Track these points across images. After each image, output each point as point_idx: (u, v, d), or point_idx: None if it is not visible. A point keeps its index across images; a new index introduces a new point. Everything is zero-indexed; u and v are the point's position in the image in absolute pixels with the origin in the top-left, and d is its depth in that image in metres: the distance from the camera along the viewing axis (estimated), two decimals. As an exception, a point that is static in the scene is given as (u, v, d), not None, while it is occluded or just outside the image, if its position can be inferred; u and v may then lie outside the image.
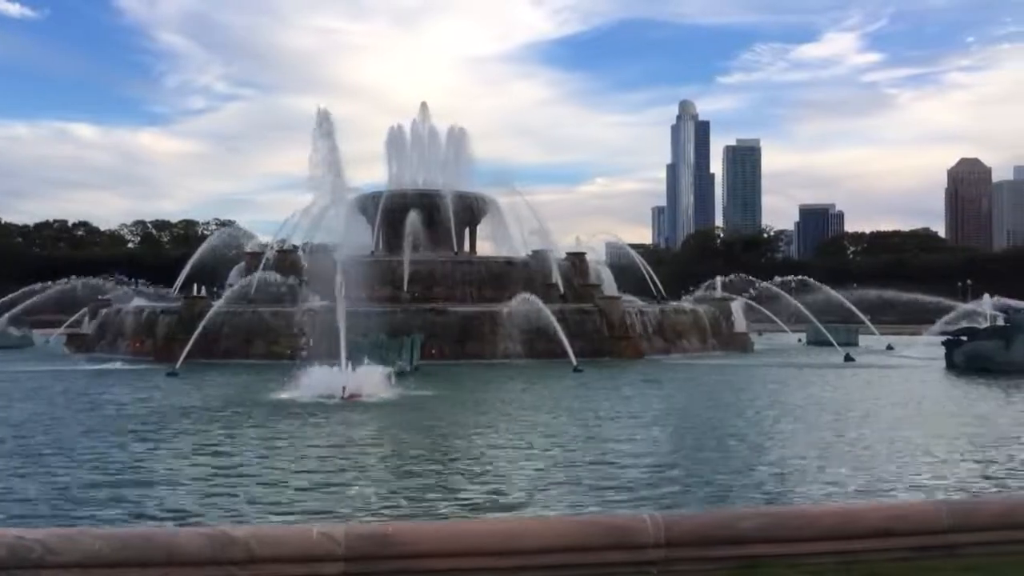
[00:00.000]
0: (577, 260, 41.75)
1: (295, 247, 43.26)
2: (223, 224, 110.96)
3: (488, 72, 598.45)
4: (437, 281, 38.60)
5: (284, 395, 19.24)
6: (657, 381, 24.95)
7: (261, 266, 38.68)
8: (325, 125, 44.38)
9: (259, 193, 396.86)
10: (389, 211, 43.44)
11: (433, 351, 31.37)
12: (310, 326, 28.35)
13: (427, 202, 43.28)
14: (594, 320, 35.85)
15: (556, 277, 39.38)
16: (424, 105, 49.58)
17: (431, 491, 9.82)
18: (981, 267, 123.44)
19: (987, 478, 10.36)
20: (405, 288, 37.08)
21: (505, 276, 39.30)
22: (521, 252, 43.11)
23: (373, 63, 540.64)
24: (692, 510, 7.82)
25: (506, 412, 17.48)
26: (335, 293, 22.80)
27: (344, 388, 19.06)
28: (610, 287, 41.69)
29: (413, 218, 41.30)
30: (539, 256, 41.10)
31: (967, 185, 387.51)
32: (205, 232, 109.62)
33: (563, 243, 44.85)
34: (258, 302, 35.74)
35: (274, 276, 37.36)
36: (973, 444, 13.26)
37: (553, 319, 32.69)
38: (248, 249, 44.05)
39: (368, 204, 44.76)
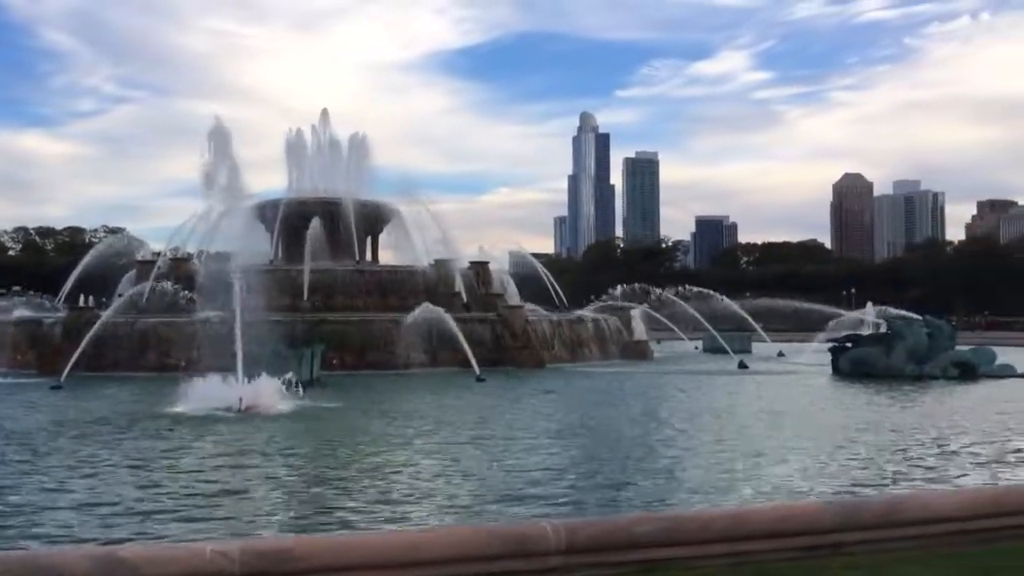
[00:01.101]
0: (480, 269, 41.83)
1: (189, 255, 41.91)
2: (112, 231, 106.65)
3: (390, 80, 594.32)
4: (338, 290, 38.02)
5: (177, 408, 18.58)
6: (558, 390, 25.22)
7: (153, 275, 37.30)
8: (221, 129, 43.48)
9: (151, 199, 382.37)
10: (289, 219, 42.55)
11: (334, 361, 30.85)
12: (205, 337, 27.46)
13: (328, 210, 42.58)
14: (497, 329, 35.99)
15: (459, 286, 39.35)
16: (325, 111, 48.87)
17: (328, 504, 9.64)
18: (864, 277, 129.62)
19: (870, 475, 10.88)
20: (305, 297, 36.39)
21: (408, 285, 39.03)
22: (424, 261, 42.88)
23: (272, 67, 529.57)
24: (591, 516, 7.91)
25: (407, 422, 17.35)
26: (232, 303, 22.17)
27: (240, 400, 18.54)
28: (513, 296, 41.91)
29: (314, 226, 40.57)
30: (442, 265, 41.00)
31: (851, 199, 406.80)
32: (93, 239, 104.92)
33: (466, 252, 44.89)
34: (150, 312, 34.43)
35: (167, 285, 36.06)
36: (855, 444, 13.87)
37: (456, 328, 32.65)
38: (139, 257, 42.43)
39: (267, 211, 43.75)
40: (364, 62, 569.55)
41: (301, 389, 20.53)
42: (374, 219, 44.97)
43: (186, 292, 35.25)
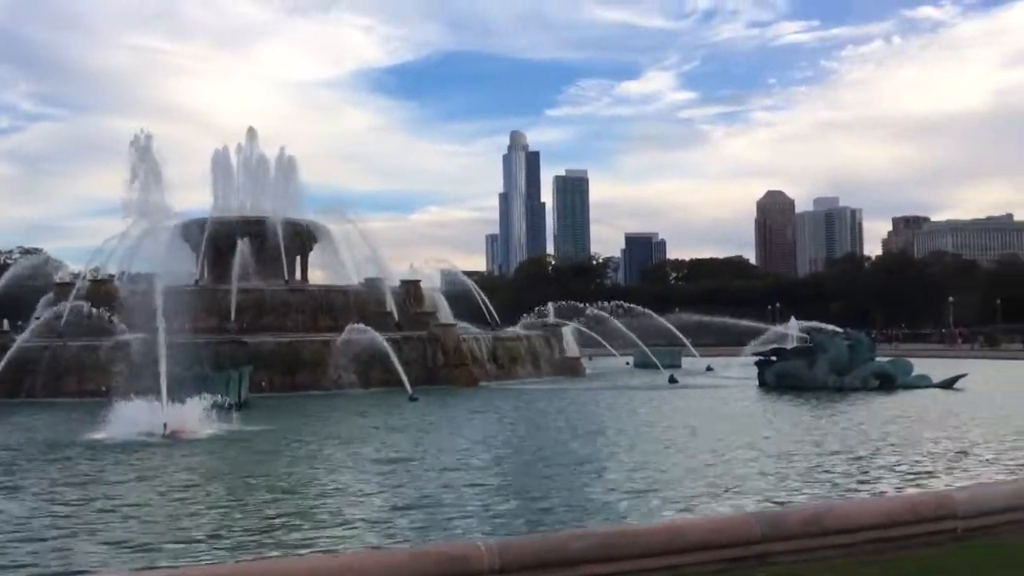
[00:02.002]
0: (412, 288, 41.63)
1: (111, 276, 40.69)
2: (28, 252, 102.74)
3: (318, 98, 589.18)
4: (267, 311, 37.37)
5: (98, 435, 17.97)
6: (492, 408, 25.22)
7: (72, 296, 36.07)
8: (144, 147, 42.45)
9: (70, 219, 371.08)
10: (215, 238, 41.70)
11: (263, 383, 30.29)
12: (127, 360, 26.66)
13: (255, 229, 41.88)
14: (429, 348, 35.83)
15: (390, 305, 39.08)
16: (251, 129, 48.12)
17: (254, 530, 9.45)
18: (788, 291, 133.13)
19: (794, 484, 11.17)
20: (232, 318, 35.65)
21: (338, 305, 38.59)
22: (355, 280, 42.49)
23: (196, 85, 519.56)
24: (525, 534, 7.93)
25: (337, 444, 17.12)
26: (155, 324, 21.61)
27: (165, 425, 18.04)
28: (445, 315, 41.79)
29: (241, 246, 39.84)
30: (373, 284, 40.67)
31: (774, 215, 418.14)
32: (8, 261, 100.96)
33: (397, 271, 44.56)
34: (69, 335, 33.27)
35: (87, 307, 34.91)
36: (780, 454, 14.21)
37: (388, 347, 32.41)
38: (57, 279, 40.98)
39: (192, 231, 42.83)
40: (291, 80, 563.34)
41: (232, 411, 20.09)
42: (303, 238, 44.41)
43: (107, 314, 34.20)
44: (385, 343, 32.69)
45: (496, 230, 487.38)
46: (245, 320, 35.92)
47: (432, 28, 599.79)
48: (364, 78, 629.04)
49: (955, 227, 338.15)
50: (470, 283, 51.43)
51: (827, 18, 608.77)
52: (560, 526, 8.97)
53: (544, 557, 6.26)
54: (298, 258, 45.32)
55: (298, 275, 45.05)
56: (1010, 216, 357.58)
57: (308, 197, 47.83)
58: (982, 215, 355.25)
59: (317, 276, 46.30)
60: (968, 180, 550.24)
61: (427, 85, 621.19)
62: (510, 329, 45.51)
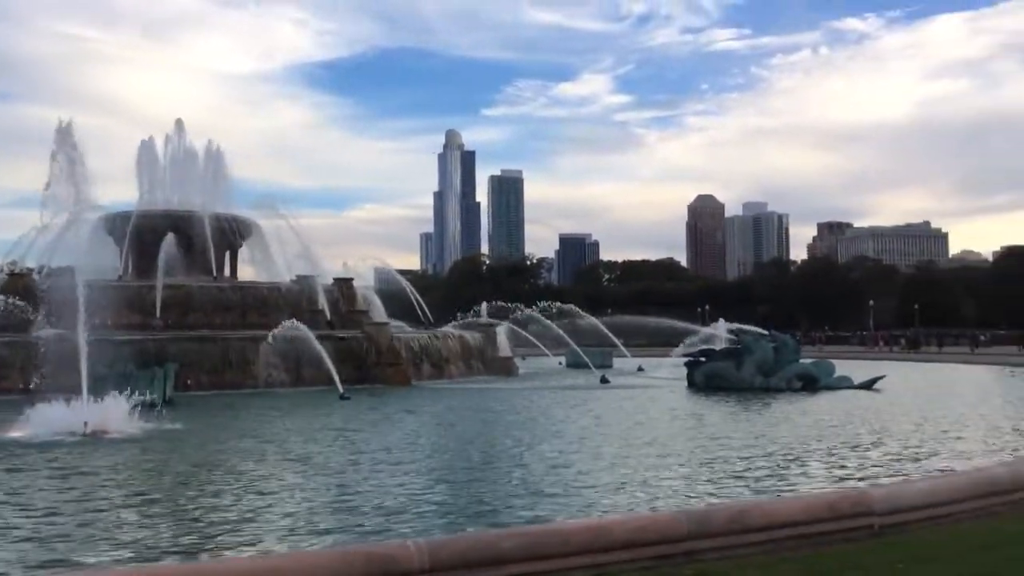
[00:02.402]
0: (344, 286, 41.18)
1: (29, 270, 39.23)
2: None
3: (249, 91, 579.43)
4: (194, 307, 36.50)
5: (14, 433, 17.34)
6: (424, 407, 25.13)
7: (-13, 290, 34.67)
8: (65, 136, 41.04)
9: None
10: (140, 232, 40.55)
11: (188, 382, 29.64)
12: (47, 357, 25.74)
13: (183, 224, 40.87)
14: (362, 346, 35.53)
15: (322, 303, 38.59)
16: (179, 121, 46.91)
17: (178, 531, 9.24)
18: (717, 294, 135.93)
19: (719, 483, 11.41)
20: (158, 315, 34.75)
21: (268, 302, 37.93)
22: (286, 277, 41.82)
23: (123, 74, 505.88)
24: (455, 533, 7.93)
25: (264, 443, 16.83)
26: (76, 320, 20.94)
27: (86, 424, 17.49)
28: (378, 313, 41.48)
29: (167, 240, 38.84)
30: (305, 281, 40.09)
31: (704, 219, 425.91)
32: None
33: (330, 269, 44.07)
34: (-17, 330, 31.98)
35: (4, 302, 33.61)
36: (706, 452, 14.49)
37: (319, 346, 32.01)
38: (-29, 272, 39.36)
39: (116, 224, 41.56)
40: (221, 72, 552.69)
41: (156, 410, 19.60)
42: (232, 233, 43.50)
43: (26, 309, 32.98)
44: (316, 341, 32.28)
45: (431, 229, 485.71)
46: (171, 317, 35.06)
47: (367, 24, 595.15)
48: (297, 72, 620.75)
49: (876, 233, 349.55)
50: (404, 282, 51.13)
51: (758, 26, 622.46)
52: (489, 525, 8.98)
53: (473, 556, 6.27)
54: (227, 254, 44.40)
55: (227, 272, 44.15)
56: (928, 223, 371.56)
57: (238, 192, 47.00)
58: (902, 222, 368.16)
59: (247, 273, 45.48)
60: (889, 188, 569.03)
61: (362, 81, 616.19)
62: (444, 328, 45.39)
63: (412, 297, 47.91)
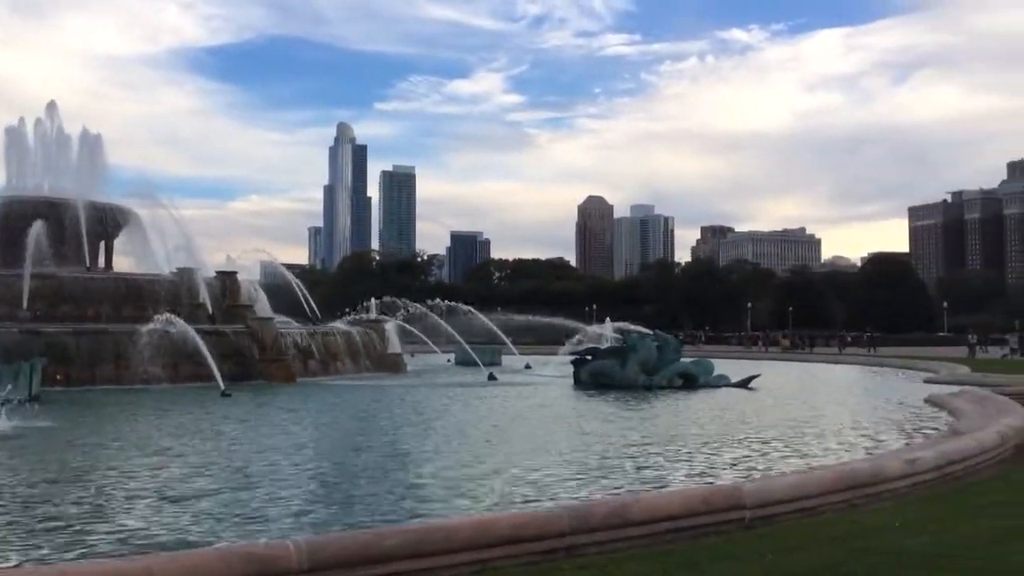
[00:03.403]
0: (228, 279, 39.95)
1: None
2: None
3: (131, 75, 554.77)
4: (65, 299, 34.71)
5: None
6: (308, 404, 24.68)
7: None
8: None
9: None
10: (7, 219, 38.21)
11: (58, 376, 28.15)
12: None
13: (54, 211, 38.74)
14: (245, 342, 34.60)
15: (204, 297, 37.35)
16: (53, 103, 44.47)
17: (42, 535, 8.78)
18: (605, 294, 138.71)
19: (599, 476, 11.67)
20: (25, 306, 32.88)
21: (146, 295, 36.43)
22: (165, 269, 40.25)
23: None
24: (337, 532, 7.83)
25: (137, 442, 16.17)
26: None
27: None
28: (263, 308, 40.42)
29: (37, 228, 36.73)
30: (185, 274, 38.67)
31: (594, 220, 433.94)
32: None
33: (213, 261, 42.62)
34: None
35: None
36: (588, 449, 14.78)
37: (199, 340, 30.99)
38: None
39: (-19, 210, 39.10)
40: (100, 54, 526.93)
41: (22, 406, 18.54)
42: (108, 222, 41.55)
43: None
44: (196, 336, 31.24)
45: (320, 223, 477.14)
46: (39, 308, 33.25)
47: (257, 10, 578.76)
48: (182, 57, 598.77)
49: (755, 238, 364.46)
50: (291, 276, 50.04)
51: (648, 33, 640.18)
52: (370, 523, 8.92)
53: (355, 554, 6.22)
54: (102, 244, 42.42)
55: (101, 262, 42.20)
56: (803, 230, 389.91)
57: (116, 179, 45.01)
58: (779, 228, 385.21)
59: (123, 264, 43.52)
60: (769, 194, 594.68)
61: (251, 69, 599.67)
62: (331, 324, 44.67)
63: (299, 292, 46.94)
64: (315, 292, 55.28)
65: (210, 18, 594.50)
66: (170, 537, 8.67)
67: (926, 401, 23.33)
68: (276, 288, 46.35)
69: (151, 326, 31.57)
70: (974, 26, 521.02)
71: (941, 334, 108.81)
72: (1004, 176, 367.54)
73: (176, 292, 37.06)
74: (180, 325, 31.73)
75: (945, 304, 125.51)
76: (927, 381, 33.69)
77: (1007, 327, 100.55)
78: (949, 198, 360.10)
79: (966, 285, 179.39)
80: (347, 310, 51.76)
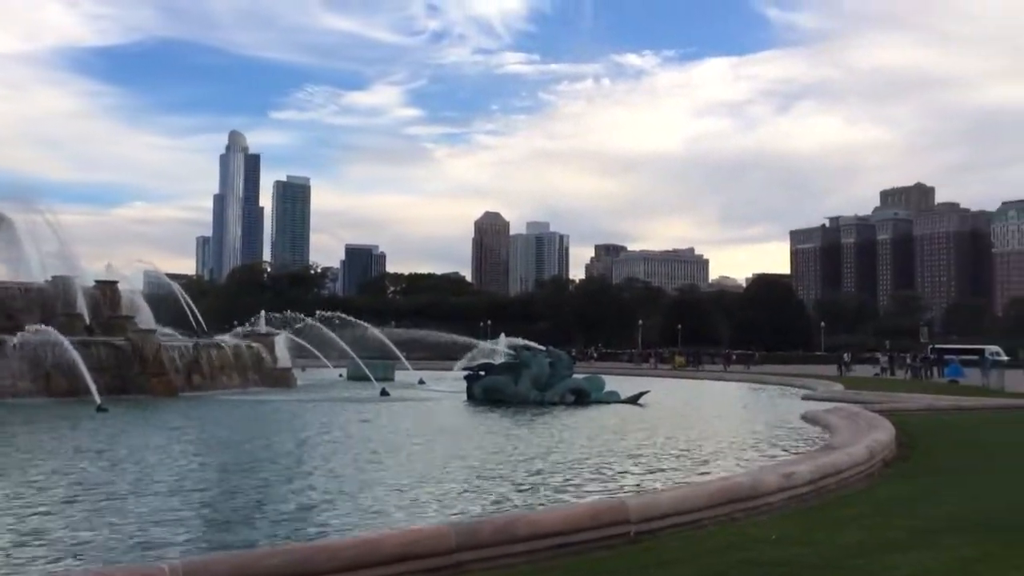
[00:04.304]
0: (108, 289, 38.25)
1: None
2: None
3: (8, 73, 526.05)
4: (-75, 307, 32.55)
5: None
6: (189, 420, 23.81)
7: None
8: None
9: None
10: None
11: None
12: None
13: (-84, 213, 36.37)
14: (125, 355, 33.15)
15: (81, 306, 35.65)
16: (-86, 98, 41.76)
17: None
18: (500, 310, 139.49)
19: (487, 492, 11.67)
20: None
21: (18, 303, 34.49)
22: (39, 277, 38.21)
23: None
24: (215, 553, 7.56)
25: None
26: None
27: None
28: (146, 319, 38.87)
29: None
30: (62, 282, 36.79)
31: (490, 236, 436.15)
32: None
33: (92, 269, 40.72)
34: None
35: None
36: (478, 466, 14.77)
37: (74, 352, 29.51)
38: None
39: None
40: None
41: None
42: (-23, 226, 39.19)
43: None
44: (71, 347, 29.75)
45: (209, 232, 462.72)
46: None
47: (146, 11, 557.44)
48: (64, 56, 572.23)
49: (647, 257, 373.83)
50: (176, 287, 48.29)
51: (546, 53, 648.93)
52: (251, 543, 8.65)
53: (234, 575, 6.01)
54: (-31, 249, 39.94)
55: (-32, 268, 39.73)
56: (692, 250, 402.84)
57: (-13, 181, 42.22)
58: (670, 247, 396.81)
59: (-7, 271, 41.06)
60: (660, 215, 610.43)
61: (140, 72, 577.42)
62: (218, 337, 43.29)
63: (184, 303, 45.34)
64: (202, 304, 53.55)
65: (96, 18, 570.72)
66: (34, 566, 8.19)
67: (803, 417, 24.31)
68: (160, 299, 44.71)
69: (20, 336, 29.89)
70: (852, 61, 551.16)
71: (819, 353, 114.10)
72: (877, 203, 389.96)
73: (50, 301, 35.27)
74: (53, 336, 30.17)
75: (823, 324, 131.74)
76: (805, 398, 35.23)
77: (878, 347, 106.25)
78: (827, 223, 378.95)
79: (842, 307, 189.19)
80: (236, 323, 50.24)
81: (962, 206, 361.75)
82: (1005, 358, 75.99)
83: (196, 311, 45.74)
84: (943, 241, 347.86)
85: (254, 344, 42.11)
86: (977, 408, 27.57)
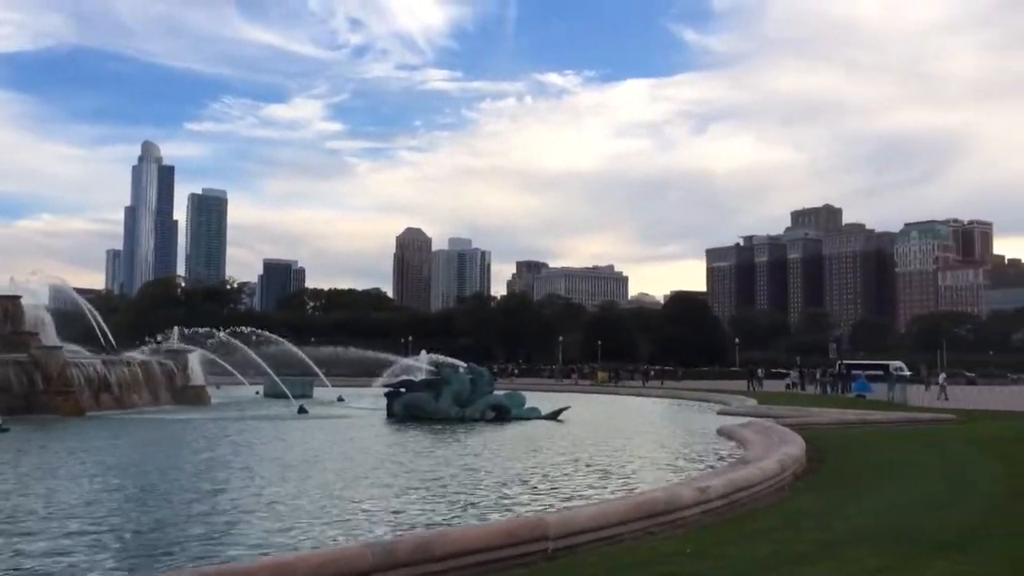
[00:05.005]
0: (10, 304, 36.61)
1: None
2: None
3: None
4: None
5: None
6: (96, 440, 22.88)
7: None
8: None
9: None
10: None
11: None
12: None
13: None
14: (28, 373, 31.74)
15: (-20, 322, 34.04)
16: None
17: None
18: (421, 326, 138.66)
19: (411, 512, 11.54)
20: None
21: (-91, 319, 32.75)
22: (-64, 291, 36.37)
23: None
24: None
25: None
26: None
27: None
28: (51, 336, 37.33)
29: None
30: (-42, 297, 35.12)
31: (412, 251, 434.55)
32: None
33: (-6, 284, 38.96)
34: None
35: None
36: (395, 482, 14.60)
37: (-28, 371, 28.14)
38: None
39: None
40: None
41: None
42: None
43: None
44: (-31, 366, 28.35)
45: (120, 246, 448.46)
46: None
47: (55, 18, 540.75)
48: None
49: (568, 274, 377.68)
50: (83, 302, 46.48)
51: (469, 71, 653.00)
52: (160, 568, 8.36)
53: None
54: None
55: None
56: (612, 267, 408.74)
57: None
58: (590, 264, 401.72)
59: None
60: (581, 232, 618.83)
61: (48, 79, 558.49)
62: (128, 354, 41.82)
63: (92, 319, 43.70)
64: (112, 319, 51.77)
65: (2, 23, 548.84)
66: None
67: (718, 432, 24.80)
68: (67, 314, 43.02)
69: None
70: (765, 85, 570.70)
71: (734, 368, 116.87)
72: (789, 223, 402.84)
73: (-54, 317, 33.55)
74: (-51, 353, 28.71)
75: (737, 340, 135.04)
76: (720, 413, 35.98)
77: (790, 362, 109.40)
78: (741, 242, 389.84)
79: (755, 323, 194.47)
80: (147, 339, 48.61)
81: (868, 227, 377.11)
82: (908, 373, 79.31)
83: (105, 327, 44.14)
84: (850, 260, 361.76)
85: (166, 361, 40.84)
86: (882, 422, 28.63)
